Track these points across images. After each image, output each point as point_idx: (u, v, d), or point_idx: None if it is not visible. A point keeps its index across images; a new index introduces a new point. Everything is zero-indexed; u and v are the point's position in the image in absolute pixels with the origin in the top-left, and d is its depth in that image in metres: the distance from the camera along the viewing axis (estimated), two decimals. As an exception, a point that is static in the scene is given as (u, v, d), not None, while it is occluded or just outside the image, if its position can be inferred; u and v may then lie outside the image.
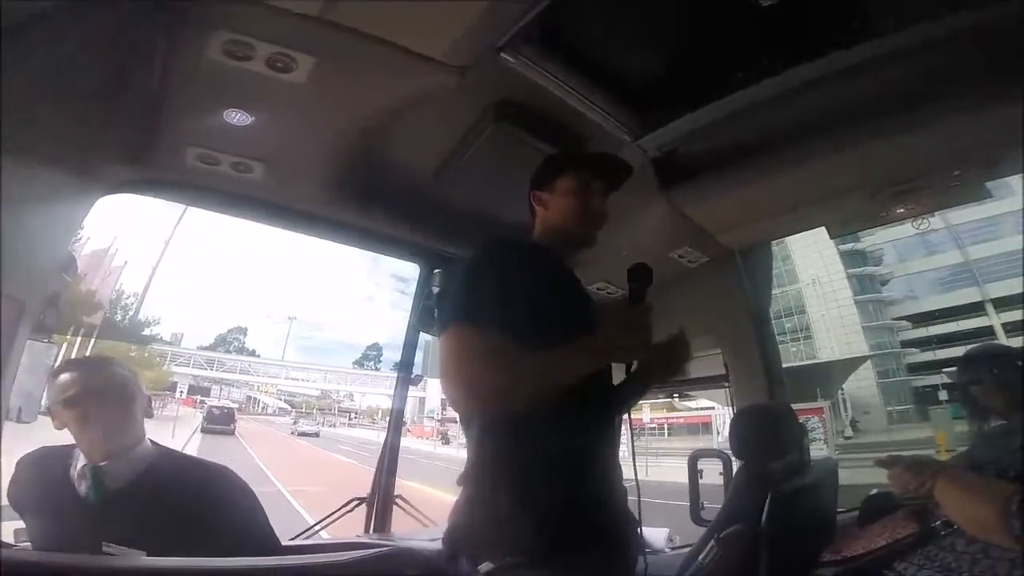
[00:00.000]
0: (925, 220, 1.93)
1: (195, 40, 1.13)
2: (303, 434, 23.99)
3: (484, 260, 1.00)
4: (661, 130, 1.54)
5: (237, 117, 1.34)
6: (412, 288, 2.17)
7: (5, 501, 1.43)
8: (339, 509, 2.04)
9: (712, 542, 1.28)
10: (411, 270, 2.16)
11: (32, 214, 1.28)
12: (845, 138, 1.50)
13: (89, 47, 1.07)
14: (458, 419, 1.02)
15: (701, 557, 1.29)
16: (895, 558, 1.24)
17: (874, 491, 1.69)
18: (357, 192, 1.66)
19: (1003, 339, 21.52)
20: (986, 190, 1.74)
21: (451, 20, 1.12)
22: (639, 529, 1.08)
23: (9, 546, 1.30)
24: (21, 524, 1.46)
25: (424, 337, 2.19)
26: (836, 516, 1.63)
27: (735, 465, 1.84)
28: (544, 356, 0.87)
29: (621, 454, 1.09)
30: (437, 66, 1.22)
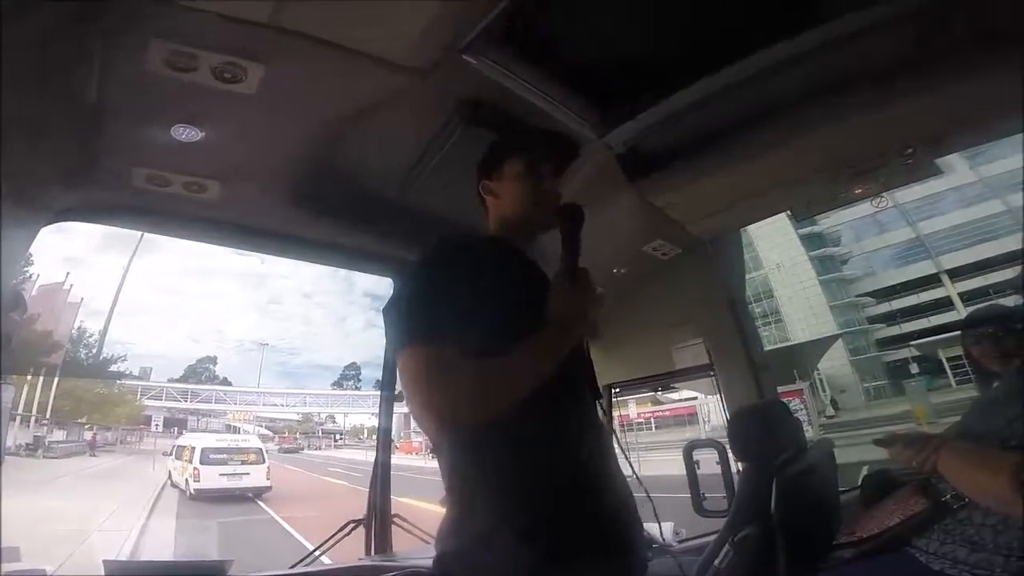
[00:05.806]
0: (882, 198, 1.99)
1: (133, 51, 1.04)
2: (286, 451, 25.92)
3: (433, 264, 0.94)
4: (624, 126, 1.52)
5: (186, 133, 1.24)
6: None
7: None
8: (336, 533, 1.95)
9: (727, 546, 1.24)
10: (384, 287, 2.07)
11: None
12: (806, 122, 1.50)
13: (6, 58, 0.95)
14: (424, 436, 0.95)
15: (717, 561, 1.25)
16: (913, 534, 1.23)
17: (867, 470, 1.70)
18: (321, 206, 1.57)
19: (960, 309, 22.64)
20: (936, 167, 1.76)
21: (407, 22, 1.06)
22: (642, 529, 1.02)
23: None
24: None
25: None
26: (839, 497, 1.62)
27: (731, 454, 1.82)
28: (508, 363, 0.83)
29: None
30: (396, 69, 1.16)
